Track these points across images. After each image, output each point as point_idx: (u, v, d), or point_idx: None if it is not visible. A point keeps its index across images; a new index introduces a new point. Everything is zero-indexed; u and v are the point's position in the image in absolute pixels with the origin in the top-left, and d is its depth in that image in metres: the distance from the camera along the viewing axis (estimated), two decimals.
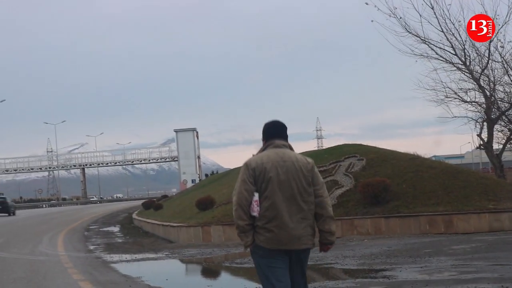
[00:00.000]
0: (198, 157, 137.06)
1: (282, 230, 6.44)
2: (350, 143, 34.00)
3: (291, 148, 6.99)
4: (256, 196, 6.52)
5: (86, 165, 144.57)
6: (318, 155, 32.69)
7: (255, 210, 6.50)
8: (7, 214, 66.80)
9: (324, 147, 79.13)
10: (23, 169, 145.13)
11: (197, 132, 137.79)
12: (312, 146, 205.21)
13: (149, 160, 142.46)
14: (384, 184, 23.76)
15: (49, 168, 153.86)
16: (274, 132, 6.94)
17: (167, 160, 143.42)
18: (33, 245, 25.44)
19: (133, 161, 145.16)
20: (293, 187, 6.58)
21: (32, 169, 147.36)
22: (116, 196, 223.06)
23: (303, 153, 36.61)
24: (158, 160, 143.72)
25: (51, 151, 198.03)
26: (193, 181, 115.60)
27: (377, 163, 27.46)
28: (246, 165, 6.67)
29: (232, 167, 70.69)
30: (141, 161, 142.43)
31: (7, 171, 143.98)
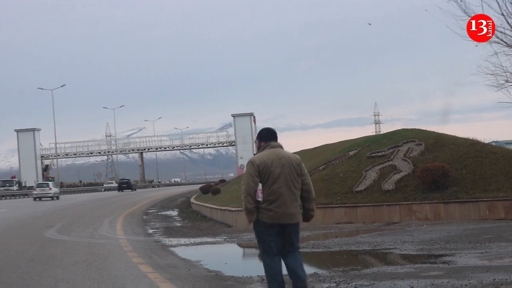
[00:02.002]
0: (255, 142, 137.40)
1: (281, 209, 8.90)
2: (408, 128, 33.73)
3: (281, 147, 9.32)
4: (260, 186, 8.91)
5: (144, 149, 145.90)
6: (376, 140, 32.55)
7: (259, 196, 8.90)
8: (130, 190, 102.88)
9: (381, 132, 78.55)
10: (82, 153, 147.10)
11: (254, 117, 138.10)
12: (369, 131, 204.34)
13: (207, 145, 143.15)
14: (443, 169, 23.56)
15: (108, 152, 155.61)
16: (270, 136, 9.39)
17: (224, 144, 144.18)
18: (93, 228, 25.74)
19: (191, 146, 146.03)
20: (288, 178, 8.99)
21: (91, 153, 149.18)
22: (174, 181, 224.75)
23: (361, 139, 36.57)
24: (216, 145, 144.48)
25: (110, 136, 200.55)
26: None
27: (436, 148, 27.25)
28: (252, 162, 9.04)
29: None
30: (198, 145, 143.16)
31: (67, 155, 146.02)
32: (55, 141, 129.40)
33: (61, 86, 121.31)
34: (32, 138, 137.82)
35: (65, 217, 34.33)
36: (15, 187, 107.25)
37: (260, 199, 8.90)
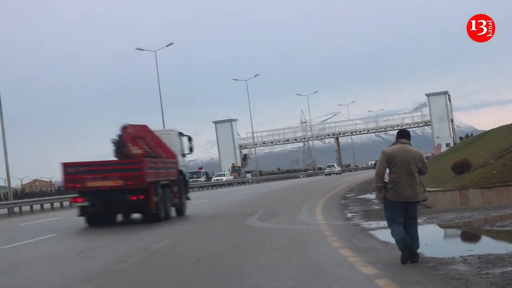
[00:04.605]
0: (451, 120, 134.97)
1: (402, 190, 12.03)
2: None
3: (409, 144, 12.41)
4: (387, 171, 12.08)
5: (339, 134, 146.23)
6: None
7: (386, 178, 12.11)
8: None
9: None
10: (279, 141, 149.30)
11: (449, 95, 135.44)
12: None
13: (402, 126, 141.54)
14: None
15: (304, 138, 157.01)
16: (401, 135, 12.59)
17: (420, 125, 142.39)
18: (292, 215, 26.03)
19: (386, 128, 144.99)
20: (409, 167, 12.04)
21: (287, 140, 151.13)
22: (371, 164, 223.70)
23: None
24: (411, 126, 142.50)
25: (305, 122, 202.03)
26: (447, 145, 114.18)
27: None
28: (384, 152, 12.25)
29: (486, 129, 68.49)
30: (393, 127, 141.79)
31: (264, 143, 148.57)
32: (252, 130, 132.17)
33: (255, 76, 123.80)
34: (230, 129, 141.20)
35: (265, 204, 34.98)
36: (202, 178, 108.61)
37: (386, 180, 12.10)
